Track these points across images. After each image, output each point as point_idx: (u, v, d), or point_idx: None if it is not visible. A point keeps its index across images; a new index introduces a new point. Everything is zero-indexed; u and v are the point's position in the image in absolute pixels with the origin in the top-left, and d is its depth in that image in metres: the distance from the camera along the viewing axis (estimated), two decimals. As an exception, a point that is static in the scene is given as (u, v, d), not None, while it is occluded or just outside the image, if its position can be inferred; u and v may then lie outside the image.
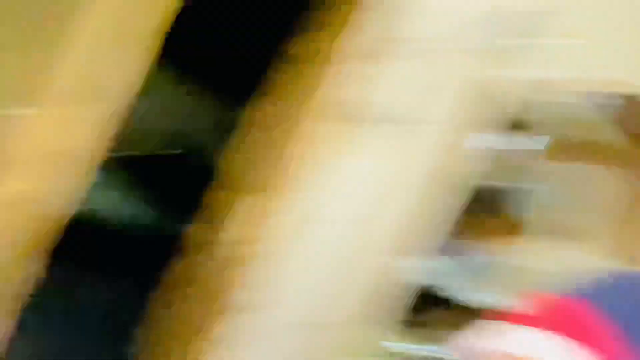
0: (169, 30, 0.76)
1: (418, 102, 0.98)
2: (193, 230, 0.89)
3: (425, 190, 1.02)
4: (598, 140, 1.42)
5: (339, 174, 0.94)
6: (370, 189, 0.98)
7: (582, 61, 1.30)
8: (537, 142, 1.31)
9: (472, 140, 1.06)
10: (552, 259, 1.65)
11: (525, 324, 0.39)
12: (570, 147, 1.41)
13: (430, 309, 1.32)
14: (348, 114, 0.93)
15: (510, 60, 1.03)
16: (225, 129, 0.89)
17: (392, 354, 1.08)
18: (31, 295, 0.69)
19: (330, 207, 0.95)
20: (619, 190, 1.63)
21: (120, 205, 0.83)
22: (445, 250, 1.31)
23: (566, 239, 1.55)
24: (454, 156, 1.04)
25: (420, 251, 1.07)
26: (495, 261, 1.56)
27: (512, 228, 1.60)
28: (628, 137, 1.44)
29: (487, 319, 0.41)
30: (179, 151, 0.90)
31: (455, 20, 0.97)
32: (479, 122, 1.06)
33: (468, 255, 1.45)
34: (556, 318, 0.39)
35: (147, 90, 0.76)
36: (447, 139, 1.03)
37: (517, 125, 1.17)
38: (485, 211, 1.53)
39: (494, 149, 1.19)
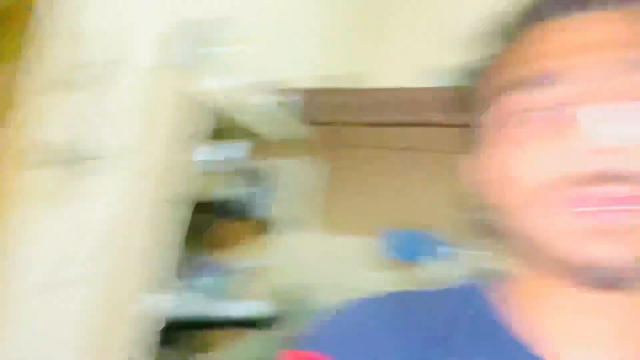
0: None
1: (123, 131, 0.92)
2: None
3: (156, 218, 0.98)
4: (290, 135, 1.52)
5: (61, 223, 0.84)
6: (102, 232, 0.90)
7: (260, 65, 1.41)
8: (239, 148, 1.38)
9: (188, 155, 1.06)
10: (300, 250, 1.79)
11: None
12: (269, 146, 1.49)
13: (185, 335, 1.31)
14: (49, 156, 0.83)
15: (202, 70, 1.04)
16: None
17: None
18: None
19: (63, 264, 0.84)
20: (317, 178, 1.85)
21: None
22: (187, 271, 1.31)
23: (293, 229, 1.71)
24: (175, 175, 1.02)
25: (165, 280, 1.03)
26: (242, 267, 1.62)
27: (257, 229, 1.68)
28: (311, 127, 1.60)
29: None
30: None
31: (135, 39, 0.93)
32: (189, 136, 1.05)
33: (211, 268, 1.46)
34: None
35: None
36: (164, 160, 1.00)
37: (218, 134, 1.20)
38: (223, 219, 1.58)
39: (206, 160, 1.20)
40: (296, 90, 1.59)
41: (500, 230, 0.36)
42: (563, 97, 0.33)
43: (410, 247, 1.90)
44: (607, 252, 0.31)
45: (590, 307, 0.35)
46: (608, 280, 0.32)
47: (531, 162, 0.33)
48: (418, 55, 1.97)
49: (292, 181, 1.75)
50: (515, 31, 0.36)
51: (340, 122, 1.64)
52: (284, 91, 1.51)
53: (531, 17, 0.36)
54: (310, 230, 1.95)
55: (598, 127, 0.31)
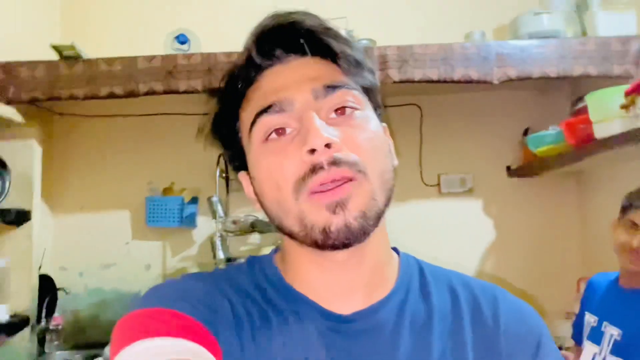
0: None
1: None
2: None
3: None
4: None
5: None
6: None
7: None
8: None
9: None
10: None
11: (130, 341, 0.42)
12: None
13: None
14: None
15: None
16: None
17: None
18: None
19: None
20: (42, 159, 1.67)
21: None
22: None
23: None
24: None
25: None
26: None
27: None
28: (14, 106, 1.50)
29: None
30: None
31: None
32: None
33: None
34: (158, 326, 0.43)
35: None
36: None
37: None
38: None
39: None
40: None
41: (272, 216, 0.50)
42: (289, 117, 0.49)
43: (170, 213, 1.86)
44: (337, 219, 0.45)
45: (340, 265, 0.50)
46: (342, 239, 0.46)
47: (287, 164, 0.48)
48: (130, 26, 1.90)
49: (18, 166, 1.60)
50: (252, 76, 0.52)
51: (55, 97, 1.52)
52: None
53: (260, 66, 0.52)
54: (57, 214, 1.87)
55: (316, 133, 0.45)
